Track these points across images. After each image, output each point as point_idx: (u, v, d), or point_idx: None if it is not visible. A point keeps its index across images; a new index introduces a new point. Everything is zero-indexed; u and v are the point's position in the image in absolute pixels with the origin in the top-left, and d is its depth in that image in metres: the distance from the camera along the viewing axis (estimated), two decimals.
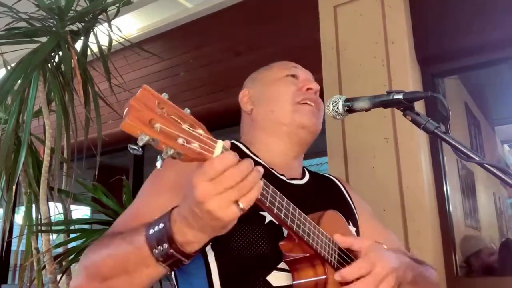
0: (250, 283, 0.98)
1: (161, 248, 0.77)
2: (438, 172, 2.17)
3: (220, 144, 0.73)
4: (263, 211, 1.01)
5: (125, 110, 0.65)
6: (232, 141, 1.19)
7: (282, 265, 0.98)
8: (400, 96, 1.01)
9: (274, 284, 0.98)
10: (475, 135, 3.14)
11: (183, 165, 0.73)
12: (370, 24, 2.30)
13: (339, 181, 1.33)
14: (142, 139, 0.64)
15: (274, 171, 1.14)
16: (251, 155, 1.16)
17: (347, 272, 0.90)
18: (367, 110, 1.08)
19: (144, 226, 0.81)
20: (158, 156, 0.67)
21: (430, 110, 2.17)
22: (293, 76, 1.23)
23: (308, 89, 1.20)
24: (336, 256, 0.96)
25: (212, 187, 0.71)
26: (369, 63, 2.25)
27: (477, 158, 0.92)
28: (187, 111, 0.71)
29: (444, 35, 2.23)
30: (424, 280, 1.09)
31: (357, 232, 1.19)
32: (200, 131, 0.71)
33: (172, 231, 0.77)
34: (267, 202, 0.81)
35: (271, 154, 1.17)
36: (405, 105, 1.01)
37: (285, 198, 0.86)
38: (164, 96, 0.70)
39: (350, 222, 1.18)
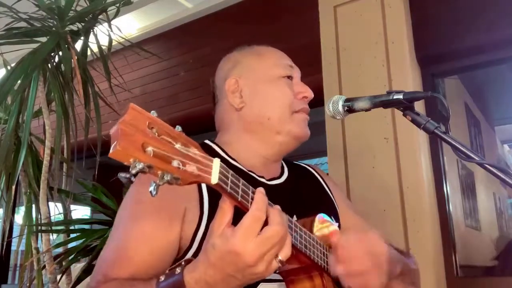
0: None
1: None
2: (438, 172, 2.16)
3: (216, 163, 0.68)
4: None
5: (113, 135, 0.58)
6: (205, 141, 1.13)
7: (270, 275, 0.96)
8: (400, 96, 1.01)
9: None
10: (475, 135, 3.13)
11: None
12: (370, 24, 2.30)
13: (316, 172, 1.28)
14: (136, 167, 0.57)
15: (253, 174, 1.09)
16: (227, 158, 1.09)
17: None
18: (367, 110, 1.08)
19: None
20: (152, 182, 0.61)
21: (430, 110, 2.17)
22: (289, 77, 1.16)
23: (303, 97, 1.15)
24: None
25: (261, 249, 0.71)
26: (369, 63, 2.25)
27: (477, 158, 0.92)
28: (179, 128, 0.66)
29: (444, 35, 2.23)
30: (409, 271, 1.08)
31: (339, 226, 1.15)
32: (195, 150, 0.66)
33: None
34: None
35: (252, 156, 1.11)
36: (405, 105, 1.01)
37: (279, 209, 0.81)
38: (153, 114, 0.63)
39: (332, 217, 1.14)
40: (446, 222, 2.12)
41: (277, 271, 0.90)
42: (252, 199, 0.73)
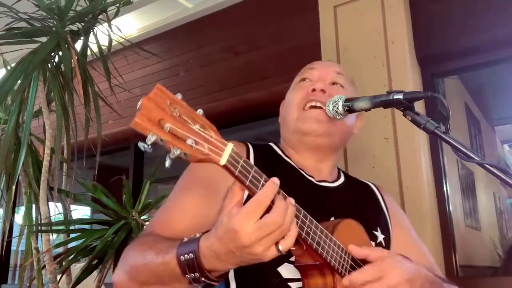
0: (261, 272, 0.98)
1: (193, 275, 0.81)
2: (438, 172, 2.16)
3: (229, 147, 0.74)
4: None
5: (137, 108, 0.66)
6: (270, 143, 1.24)
7: (294, 258, 0.98)
8: (400, 96, 1.01)
9: (285, 276, 0.99)
10: (475, 135, 3.13)
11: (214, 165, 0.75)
12: (370, 24, 2.30)
13: (378, 189, 1.31)
14: (150, 139, 0.66)
15: (303, 172, 1.16)
16: (284, 157, 1.19)
17: (355, 276, 0.90)
18: (367, 110, 1.08)
19: (175, 248, 0.85)
20: (167, 156, 0.69)
21: (430, 110, 2.17)
22: (304, 79, 1.22)
23: (312, 90, 1.17)
24: (348, 267, 0.93)
25: (258, 233, 0.74)
26: (369, 63, 2.25)
27: (477, 158, 0.92)
28: (200, 112, 0.73)
29: (443, 35, 2.23)
30: None
31: (386, 239, 1.17)
32: (211, 133, 0.73)
33: (203, 264, 0.80)
34: None
35: (300, 158, 1.19)
36: (405, 105, 1.01)
37: (296, 205, 0.84)
38: (178, 96, 0.71)
39: (378, 228, 1.16)
40: (446, 222, 2.12)
41: (294, 264, 0.96)
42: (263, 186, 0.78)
